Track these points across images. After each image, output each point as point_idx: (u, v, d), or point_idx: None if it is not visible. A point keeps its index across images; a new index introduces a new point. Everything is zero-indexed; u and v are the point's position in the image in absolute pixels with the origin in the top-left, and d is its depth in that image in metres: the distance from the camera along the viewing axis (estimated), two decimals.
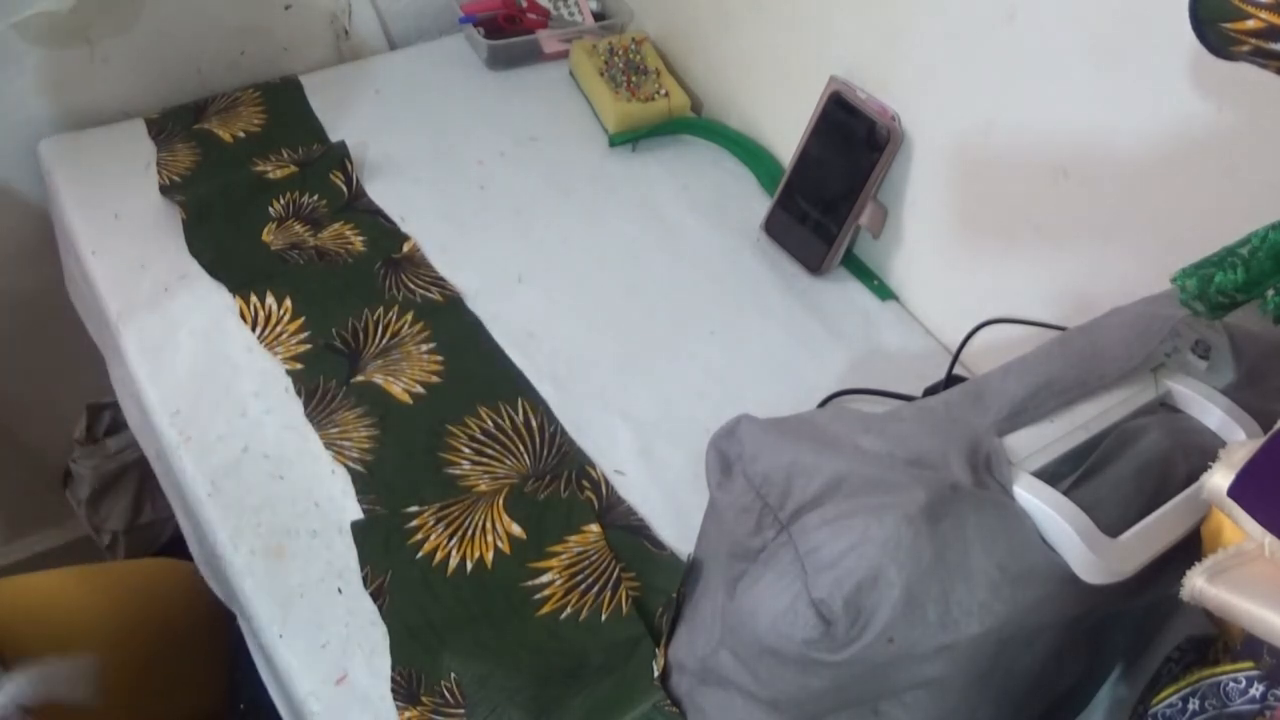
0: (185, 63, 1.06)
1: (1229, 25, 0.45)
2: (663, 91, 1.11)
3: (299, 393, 0.81)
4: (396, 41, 1.21)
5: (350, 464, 0.76)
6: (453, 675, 0.65)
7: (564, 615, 0.69)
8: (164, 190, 0.95)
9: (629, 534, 0.74)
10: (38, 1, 0.94)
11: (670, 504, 0.77)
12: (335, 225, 0.95)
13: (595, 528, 0.73)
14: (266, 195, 0.96)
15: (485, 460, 0.78)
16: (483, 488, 0.76)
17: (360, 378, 0.82)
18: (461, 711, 0.63)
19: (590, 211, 1.02)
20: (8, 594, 0.83)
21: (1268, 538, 0.44)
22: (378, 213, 0.98)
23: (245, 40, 1.09)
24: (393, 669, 0.66)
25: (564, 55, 1.18)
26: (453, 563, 0.71)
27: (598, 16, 1.24)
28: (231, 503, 0.74)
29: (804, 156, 0.96)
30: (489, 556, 0.72)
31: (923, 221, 0.93)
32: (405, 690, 0.65)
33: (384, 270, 0.91)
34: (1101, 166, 0.74)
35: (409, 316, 0.88)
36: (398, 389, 0.82)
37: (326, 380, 0.82)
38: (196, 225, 0.92)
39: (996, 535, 0.50)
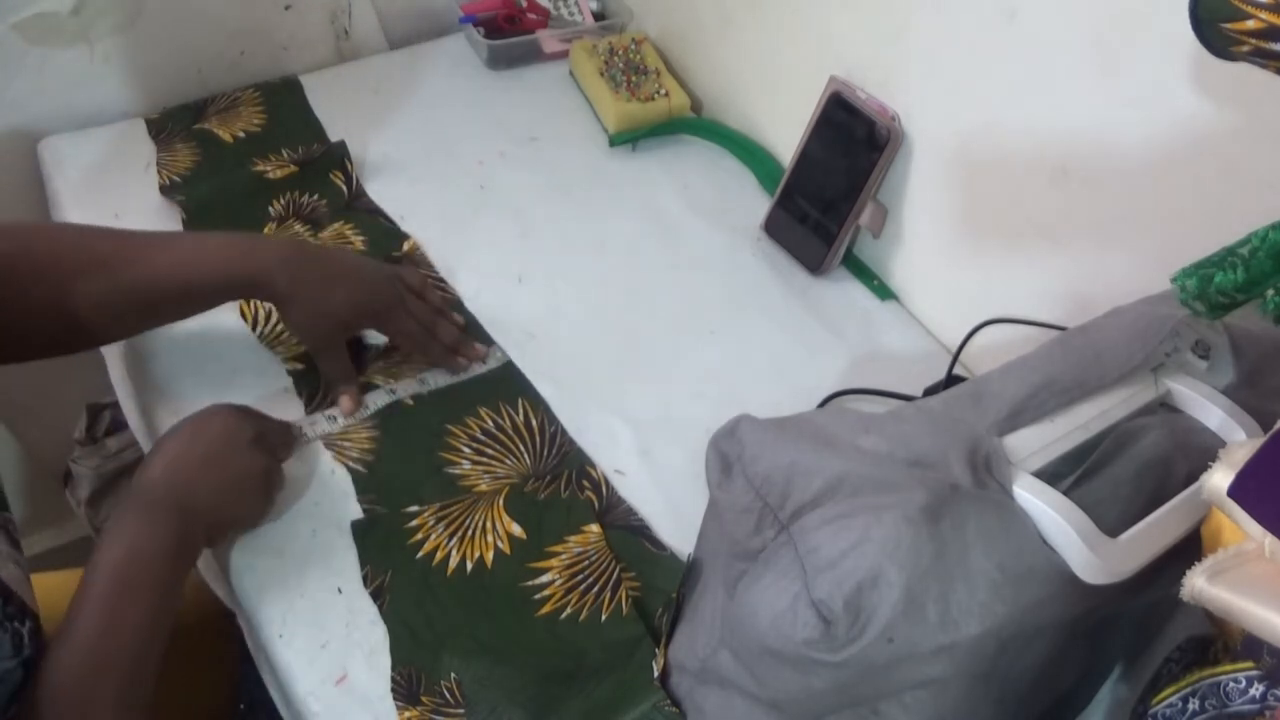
0: (185, 63, 1.06)
1: (1229, 25, 0.45)
2: (663, 91, 1.11)
3: (299, 393, 0.81)
4: (396, 41, 1.21)
5: (350, 464, 0.76)
6: (453, 675, 0.65)
7: (564, 615, 0.69)
8: (164, 190, 0.95)
9: (629, 534, 0.74)
10: (38, 1, 0.94)
11: (670, 504, 0.77)
12: (335, 225, 0.95)
13: (595, 528, 0.73)
14: (266, 195, 0.96)
15: (485, 460, 0.78)
16: (483, 488, 0.76)
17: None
18: (461, 711, 0.63)
19: (590, 211, 1.02)
20: None
21: (1268, 538, 0.44)
22: (378, 212, 0.98)
23: (245, 40, 1.09)
24: (393, 669, 0.66)
25: (564, 55, 1.18)
26: (453, 563, 0.71)
27: (598, 16, 1.24)
28: None
29: (804, 156, 0.96)
30: (489, 556, 0.72)
31: (923, 221, 0.93)
32: (405, 690, 0.65)
33: None
34: (1101, 166, 0.74)
35: None
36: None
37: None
38: (196, 225, 0.92)
39: (996, 535, 0.50)
